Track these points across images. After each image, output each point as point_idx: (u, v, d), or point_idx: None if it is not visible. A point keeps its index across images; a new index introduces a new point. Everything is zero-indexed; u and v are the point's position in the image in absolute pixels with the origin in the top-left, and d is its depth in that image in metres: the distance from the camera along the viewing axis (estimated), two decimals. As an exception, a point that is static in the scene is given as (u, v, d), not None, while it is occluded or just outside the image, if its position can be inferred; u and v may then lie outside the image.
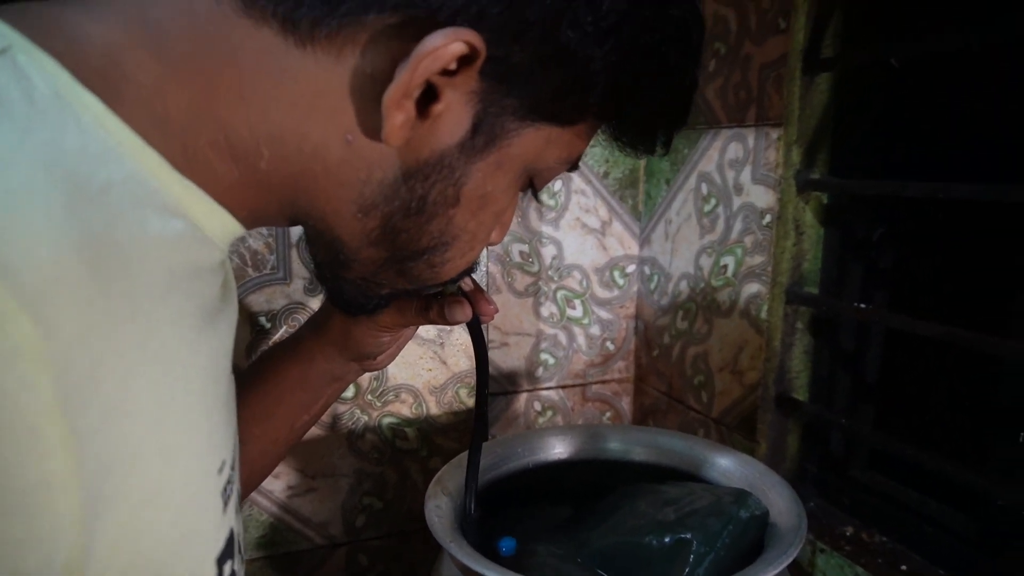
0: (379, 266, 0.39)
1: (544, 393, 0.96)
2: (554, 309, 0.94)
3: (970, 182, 0.54)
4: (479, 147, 0.35)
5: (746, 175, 0.77)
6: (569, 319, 0.95)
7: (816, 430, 0.74)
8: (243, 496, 0.54)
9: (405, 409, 0.87)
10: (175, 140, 0.31)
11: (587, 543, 0.58)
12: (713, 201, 0.83)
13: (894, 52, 0.60)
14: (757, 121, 0.75)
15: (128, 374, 0.27)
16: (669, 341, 0.92)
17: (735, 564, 0.52)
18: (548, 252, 0.92)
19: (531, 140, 0.35)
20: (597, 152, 0.93)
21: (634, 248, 0.97)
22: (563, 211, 0.92)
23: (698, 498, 0.58)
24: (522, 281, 0.91)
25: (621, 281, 0.97)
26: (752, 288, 0.78)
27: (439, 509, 0.56)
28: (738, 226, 0.79)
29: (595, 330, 0.97)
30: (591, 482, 0.66)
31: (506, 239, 0.90)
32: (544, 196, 0.91)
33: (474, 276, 0.49)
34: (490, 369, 0.93)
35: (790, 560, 0.50)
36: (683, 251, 0.88)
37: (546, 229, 0.92)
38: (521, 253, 0.91)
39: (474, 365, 0.62)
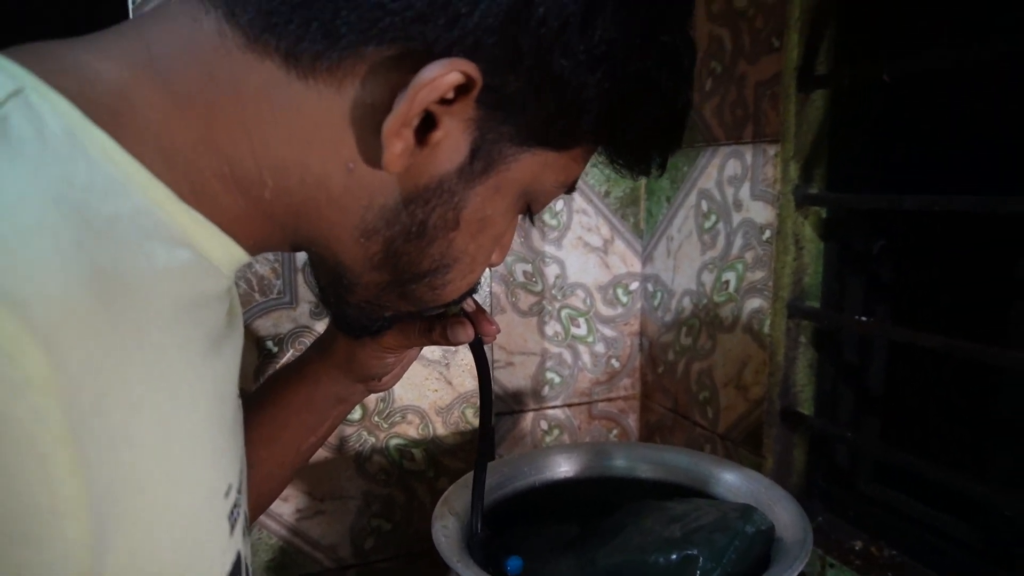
0: (382, 289, 0.40)
1: (550, 412, 0.96)
2: (558, 328, 0.95)
3: (967, 192, 0.55)
4: (477, 172, 0.35)
5: (745, 191, 0.78)
6: (574, 337, 0.96)
7: (822, 444, 0.74)
8: (251, 519, 0.55)
9: (412, 430, 0.88)
10: (182, 172, 0.32)
11: (594, 561, 0.58)
12: (713, 218, 0.83)
13: (886, 68, 0.61)
14: (754, 138, 0.76)
15: (135, 401, 0.28)
16: (674, 358, 0.92)
17: (742, 579, 0.52)
18: (551, 271, 0.93)
19: (528, 165, 0.36)
20: (597, 172, 0.94)
21: (637, 266, 0.97)
22: (565, 230, 0.93)
23: (704, 514, 0.58)
24: (526, 300, 0.92)
25: (624, 299, 0.98)
26: (754, 303, 0.78)
27: (446, 529, 0.56)
28: (738, 242, 0.80)
29: (600, 348, 0.97)
30: (597, 500, 0.66)
31: (509, 259, 0.91)
32: (546, 216, 0.92)
33: (476, 297, 0.49)
34: (496, 389, 0.93)
35: (796, 573, 0.50)
36: (685, 268, 0.89)
37: (549, 249, 0.92)
38: (525, 273, 0.92)
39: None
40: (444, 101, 0.32)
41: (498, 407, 0.94)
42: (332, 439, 0.83)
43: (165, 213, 0.31)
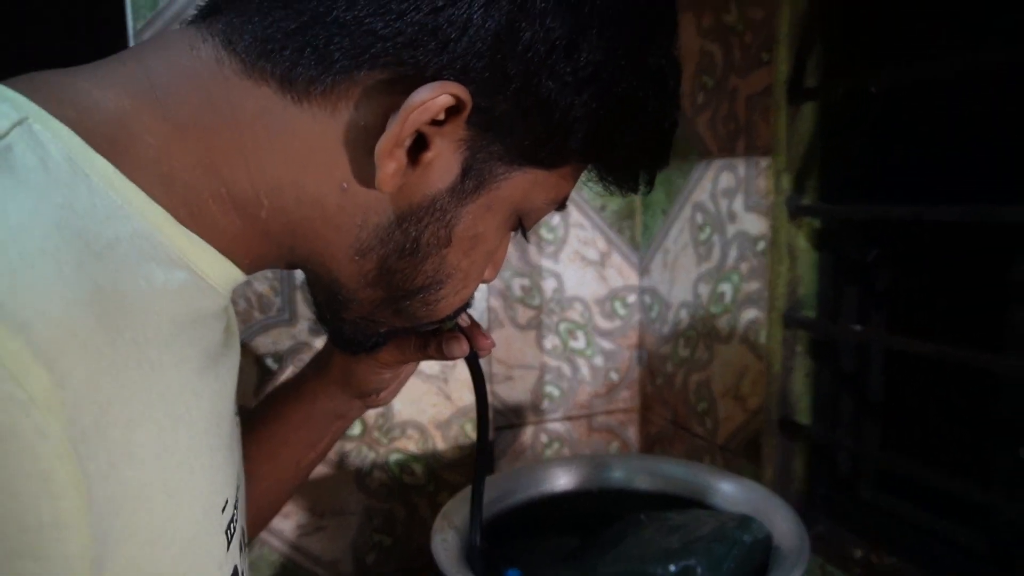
0: (376, 306, 0.41)
1: (550, 425, 0.96)
2: (557, 341, 0.95)
3: (960, 198, 0.56)
4: (469, 191, 0.36)
5: (739, 203, 0.79)
6: (572, 351, 0.96)
7: (822, 452, 0.75)
8: (252, 535, 0.55)
9: (411, 445, 0.88)
10: (180, 195, 0.33)
11: (593, 573, 0.58)
12: (708, 230, 0.84)
13: (874, 80, 0.62)
14: (747, 151, 0.77)
15: (134, 418, 0.29)
16: (672, 369, 0.93)
17: (740, 590, 0.53)
18: (549, 285, 0.94)
19: (518, 183, 0.37)
20: (592, 186, 0.95)
21: (634, 278, 0.98)
22: (562, 244, 0.94)
23: (702, 524, 0.59)
24: (524, 315, 0.93)
25: (622, 311, 0.98)
26: (750, 314, 0.79)
27: (445, 543, 0.57)
28: (733, 253, 0.80)
29: (598, 361, 0.98)
30: (596, 512, 0.67)
31: (506, 273, 0.91)
32: (543, 230, 0.93)
33: (471, 312, 0.50)
34: (496, 403, 0.94)
35: (794, 583, 0.50)
36: (681, 279, 0.90)
37: (546, 263, 0.93)
38: (522, 287, 0.92)
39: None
40: (435, 122, 0.33)
41: (498, 421, 0.94)
42: (332, 455, 0.84)
43: (163, 236, 0.32)
